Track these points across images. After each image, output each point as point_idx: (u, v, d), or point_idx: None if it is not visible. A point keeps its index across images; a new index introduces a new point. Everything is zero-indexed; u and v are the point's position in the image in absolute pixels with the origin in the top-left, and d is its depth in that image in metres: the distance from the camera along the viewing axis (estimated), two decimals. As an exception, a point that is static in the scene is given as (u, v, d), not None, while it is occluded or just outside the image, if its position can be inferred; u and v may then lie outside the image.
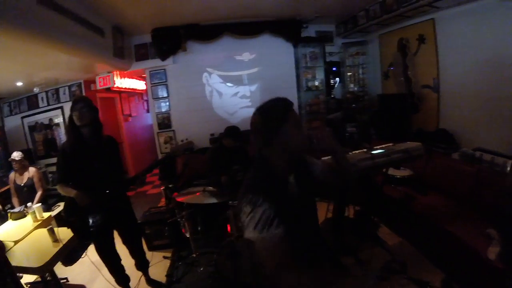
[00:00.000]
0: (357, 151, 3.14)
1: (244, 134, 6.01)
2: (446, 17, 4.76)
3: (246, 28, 6.25)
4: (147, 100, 10.45)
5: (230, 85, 6.69)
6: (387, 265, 3.46)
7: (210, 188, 3.69)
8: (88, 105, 2.86)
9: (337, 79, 6.93)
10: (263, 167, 1.61)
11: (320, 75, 6.83)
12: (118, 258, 3.30)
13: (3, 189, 5.28)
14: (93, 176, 2.87)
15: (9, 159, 4.91)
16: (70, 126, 2.87)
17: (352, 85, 7.03)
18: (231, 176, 4.18)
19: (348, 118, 3.91)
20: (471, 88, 4.53)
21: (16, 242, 3.32)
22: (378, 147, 3.18)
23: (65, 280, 3.86)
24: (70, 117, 2.85)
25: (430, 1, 4.40)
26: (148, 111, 10.56)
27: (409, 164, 4.37)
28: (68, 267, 3.97)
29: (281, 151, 1.56)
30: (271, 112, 1.58)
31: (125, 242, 3.33)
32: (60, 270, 3.68)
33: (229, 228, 3.43)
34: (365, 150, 3.13)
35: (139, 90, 8.54)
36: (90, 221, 2.78)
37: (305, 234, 1.61)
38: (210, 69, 6.58)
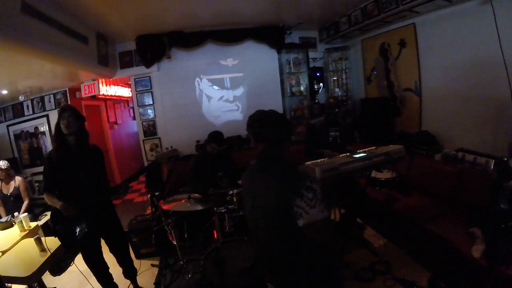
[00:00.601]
0: (339, 155, 3.19)
1: (229, 140, 6.05)
2: (426, 22, 4.85)
3: (229, 35, 6.28)
4: (132, 107, 10.40)
5: (214, 91, 6.70)
6: (372, 266, 3.52)
7: (196, 195, 3.70)
8: (75, 114, 2.91)
9: (321, 84, 6.99)
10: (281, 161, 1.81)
11: (304, 80, 6.88)
12: (106, 267, 3.31)
13: None
14: (79, 185, 2.89)
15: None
16: (57, 134, 2.90)
17: (337, 89, 7.09)
18: (217, 185, 4.20)
19: (331, 123, 3.96)
20: (452, 90, 4.61)
21: (3, 252, 3.33)
22: (360, 150, 3.23)
23: (53, 290, 3.85)
24: (57, 125, 2.89)
25: (410, 6, 4.47)
26: (134, 118, 10.52)
27: (392, 166, 4.43)
28: (57, 276, 3.96)
29: (286, 150, 1.79)
30: (289, 123, 1.85)
31: (112, 250, 3.33)
32: (49, 279, 3.65)
33: (215, 234, 3.46)
34: (347, 154, 3.19)
35: (124, 97, 8.50)
36: (77, 229, 2.79)
37: None
38: (195, 76, 6.59)
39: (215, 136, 4.24)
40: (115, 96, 7.61)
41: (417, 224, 3.50)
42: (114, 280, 3.41)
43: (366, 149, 3.25)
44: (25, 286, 3.29)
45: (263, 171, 1.84)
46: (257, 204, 1.84)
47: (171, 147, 6.12)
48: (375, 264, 3.57)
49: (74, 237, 2.79)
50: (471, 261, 2.73)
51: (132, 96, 6.87)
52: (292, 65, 6.77)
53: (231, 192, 3.80)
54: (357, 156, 3.02)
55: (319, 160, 3.08)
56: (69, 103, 6.52)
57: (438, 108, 4.95)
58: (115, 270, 3.43)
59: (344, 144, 3.91)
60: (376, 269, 3.50)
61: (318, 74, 6.98)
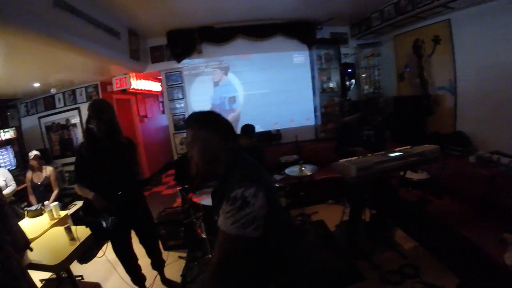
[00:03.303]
0: (374, 154, 3.13)
1: (261, 136, 6.02)
2: (462, 18, 4.70)
3: (259, 30, 6.28)
4: (162, 102, 10.55)
5: (244, 86, 6.71)
6: (401, 269, 3.44)
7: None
8: (104, 118, 2.86)
9: (352, 80, 6.89)
10: None
11: (335, 76, 6.78)
12: (135, 258, 3.34)
13: (19, 188, 5.35)
14: (109, 177, 2.91)
15: (29, 158, 4.98)
16: (87, 130, 2.90)
17: (366, 87, 6.99)
18: None
19: (365, 121, 3.86)
20: (488, 90, 4.46)
21: (32, 239, 3.36)
22: (396, 149, 3.16)
23: (80, 278, 3.92)
24: (88, 121, 2.87)
25: (445, 2, 4.36)
26: (163, 112, 10.65)
27: (425, 167, 4.32)
28: (83, 265, 4.03)
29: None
30: None
31: (142, 242, 3.36)
32: (75, 267, 3.71)
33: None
34: (382, 152, 3.12)
35: (154, 91, 8.61)
36: (108, 221, 2.80)
37: None
38: (225, 71, 6.61)
39: (243, 129, 4.22)
40: (145, 90, 7.71)
41: (448, 227, 3.39)
42: (142, 271, 3.45)
43: (401, 148, 3.18)
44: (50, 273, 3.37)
45: None
46: None
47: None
48: (404, 267, 3.47)
49: (104, 228, 2.81)
50: (502, 268, 2.62)
51: (162, 90, 6.93)
52: (323, 61, 6.70)
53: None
54: (392, 155, 2.96)
55: (353, 158, 3.03)
56: (100, 96, 6.65)
57: (473, 109, 4.80)
58: (143, 261, 3.46)
59: (378, 143, 3.81)
60: (405, 272, 3.40)
61: (349, 70, 6.87)
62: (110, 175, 2.91)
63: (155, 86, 8.31)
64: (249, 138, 4.22)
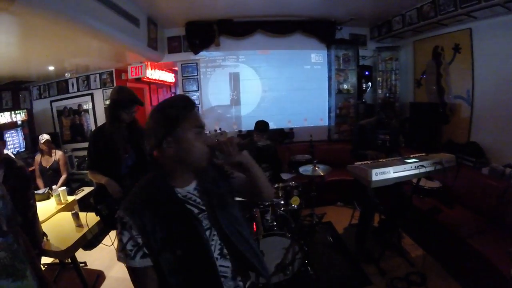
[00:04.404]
0: (390, 159, 3.10)
1: (274, 133, 6.01)
2: (483, 28, 4.62)
3: (279, 27, 6.23)
4: (174, 93, 10.60)
5: (260, 82, 6.67)
6: (408, 277, 3.42)
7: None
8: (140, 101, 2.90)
9: (369, 83, 6.84)
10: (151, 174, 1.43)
11: (352, 78, 6.71)
12: None
13: (28, 170, 5.36)
14: (125, 165, 2.90)
15: (39, 141, 4.98)
16: (114, 118, 2.83)
17: (380, 91, 6.92)
18: None
19: (381, 125, 3.82)
20: (506, 103, 4.37)
21: (38, 223, 3.38)
22: (412, 156, 3.13)
23: (83, 265, 3.92)
24: (116, 109, 2.81)
25: (469, 11, 4.30)
26: (175, 103, 10.65)
27: (437, 176, 4.29)
28: (87, 251, 4.02)
29: (174, 157, 1.31)
30: (166, 109, 1.33)
31: None
32: (78, 253, 3.72)
33: (254, 227, 3.41)
34: (399, 158, 3.09)
35: (167, 82, 8.62)
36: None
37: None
38: (241, 66, 6.59)
39: (258, 125, 4.18)
40: (159, 80, 7.69)
41: (457, 237, 3.38)
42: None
43: (417, 155, 3.16)
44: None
45: None
46: None
47: (220, 129, 6.16)
48: (411, 275, 3.46)
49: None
50: (509, 282, 2.60)
51: (176, 81, 6.92)
52: (341, 61, 6.64)
53: (275, 185, 3.78)
54: (409, 161, 2.93)
55: (369, 162, 3.00)
56: (114, 83, 6.69)
57: (488, 120, 4.72)
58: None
59: (393, 148, 3.78)
60: (412, 280, 3.39)
61: (367, 72, 6.82)
62: (126, 163, 2.91)
63: (168, 77, 8.30)
64: (261, 135, 4.19)
